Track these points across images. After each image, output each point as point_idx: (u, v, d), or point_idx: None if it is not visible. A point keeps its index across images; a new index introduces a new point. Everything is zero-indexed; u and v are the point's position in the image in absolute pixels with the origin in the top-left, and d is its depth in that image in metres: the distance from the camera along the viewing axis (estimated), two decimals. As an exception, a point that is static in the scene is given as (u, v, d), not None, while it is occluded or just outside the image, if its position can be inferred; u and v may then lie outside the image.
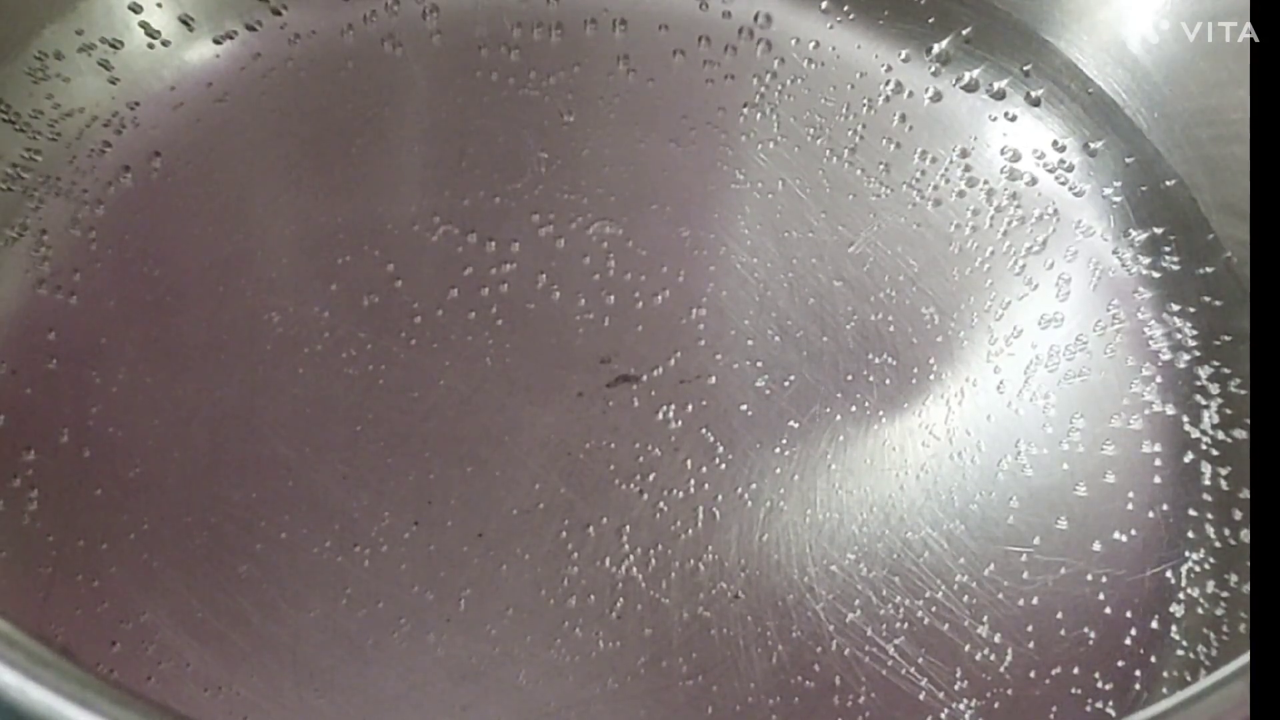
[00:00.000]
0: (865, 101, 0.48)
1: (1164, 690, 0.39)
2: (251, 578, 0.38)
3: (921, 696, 0.38)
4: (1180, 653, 0.40)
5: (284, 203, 0.44)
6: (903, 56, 0.48)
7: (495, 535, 0.40)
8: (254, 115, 0.46)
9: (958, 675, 0.39)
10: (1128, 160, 0.47)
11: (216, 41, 0.47)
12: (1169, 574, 0.41)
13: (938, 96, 0.48)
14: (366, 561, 0.39)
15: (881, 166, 0.46)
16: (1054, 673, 0.39)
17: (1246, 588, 0.40)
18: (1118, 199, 0.47)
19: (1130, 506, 0.42)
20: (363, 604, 0.38)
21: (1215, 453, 0.42)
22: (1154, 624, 0.40)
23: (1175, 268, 0.45)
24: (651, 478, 0.41)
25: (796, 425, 0.42)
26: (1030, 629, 0.40)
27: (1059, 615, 0.40)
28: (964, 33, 0.49)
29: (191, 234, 0.43)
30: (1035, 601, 0.40)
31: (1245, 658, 0.29)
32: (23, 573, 0.38)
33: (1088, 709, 0.39)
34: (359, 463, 0.40)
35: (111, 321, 0.42)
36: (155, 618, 0.38)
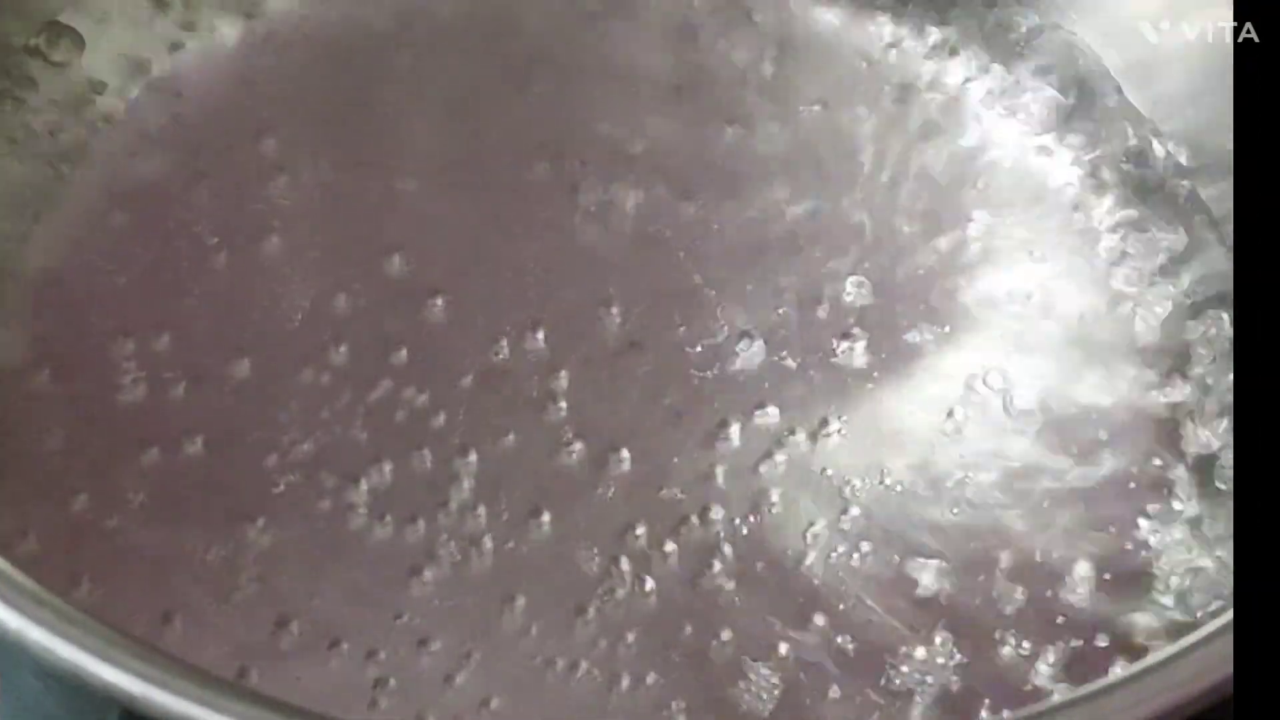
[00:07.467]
0: (865, 79, 0.49)
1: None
2: (270, 540, 0.39)
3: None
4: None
5: (303, 173, 0.45)
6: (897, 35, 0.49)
7: (519, 496, 0.41)
8: (273, 85, 0.47)
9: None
10: (1122, 140, 0.48)
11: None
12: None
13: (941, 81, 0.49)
14: (389, 525, 0.40)
15: (881, 140, 0.48)
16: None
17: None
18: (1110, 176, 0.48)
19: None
20: (381, 564, 0.39)
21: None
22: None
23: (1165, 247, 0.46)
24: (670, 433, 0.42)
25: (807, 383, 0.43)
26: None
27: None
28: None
29: (213, 203, 0.44)
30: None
31: (1229, 615, 0.30)
32: (50, 533, 0.39)
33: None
34: (378, 429, 0.41)
35: (135, 290, 0.43)
36: (175, 576, 0.39)
